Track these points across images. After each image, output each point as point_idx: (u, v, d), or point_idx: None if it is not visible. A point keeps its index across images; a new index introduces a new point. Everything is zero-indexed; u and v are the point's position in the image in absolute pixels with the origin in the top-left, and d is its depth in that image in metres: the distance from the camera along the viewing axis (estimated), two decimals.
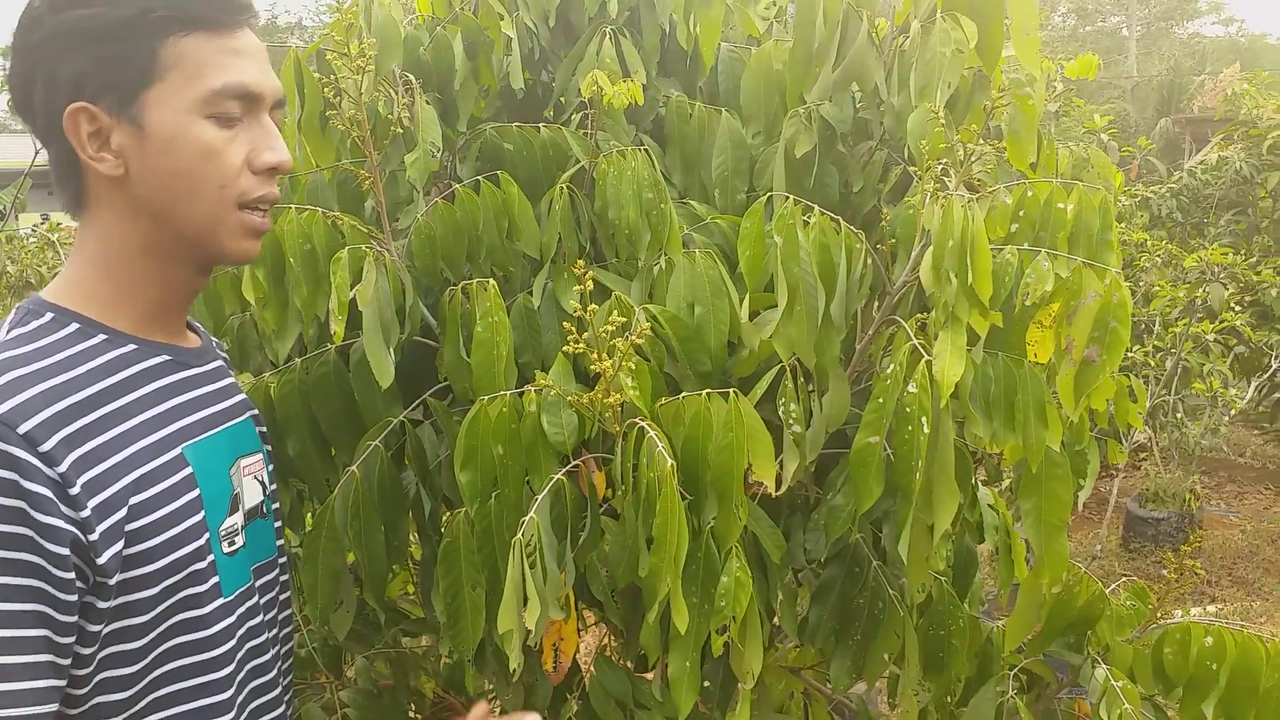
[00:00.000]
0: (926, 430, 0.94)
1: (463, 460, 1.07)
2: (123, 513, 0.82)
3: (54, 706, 0.79)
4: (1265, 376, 5.69)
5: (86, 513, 0.79)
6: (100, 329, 0.89)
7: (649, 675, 1.30)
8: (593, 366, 1.03)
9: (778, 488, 1.10)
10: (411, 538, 1.38)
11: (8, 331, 0.85)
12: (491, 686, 1.53)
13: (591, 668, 1.26)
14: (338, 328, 1.09)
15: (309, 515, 1.49)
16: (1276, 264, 5.93)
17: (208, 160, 0.88)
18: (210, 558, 0.91)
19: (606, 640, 1.45)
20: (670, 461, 0.95)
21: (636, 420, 1.03)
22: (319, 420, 1.30)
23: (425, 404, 1.31)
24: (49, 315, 0.87)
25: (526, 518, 1.00)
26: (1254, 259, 5.97)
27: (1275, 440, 7.14)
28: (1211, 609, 4.69)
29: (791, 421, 1.08)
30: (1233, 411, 5.07)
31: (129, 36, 0.85)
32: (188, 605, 0.88)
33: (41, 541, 0.76)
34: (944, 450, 0.97)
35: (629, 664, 1.33)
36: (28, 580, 0.76)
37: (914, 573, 1.08)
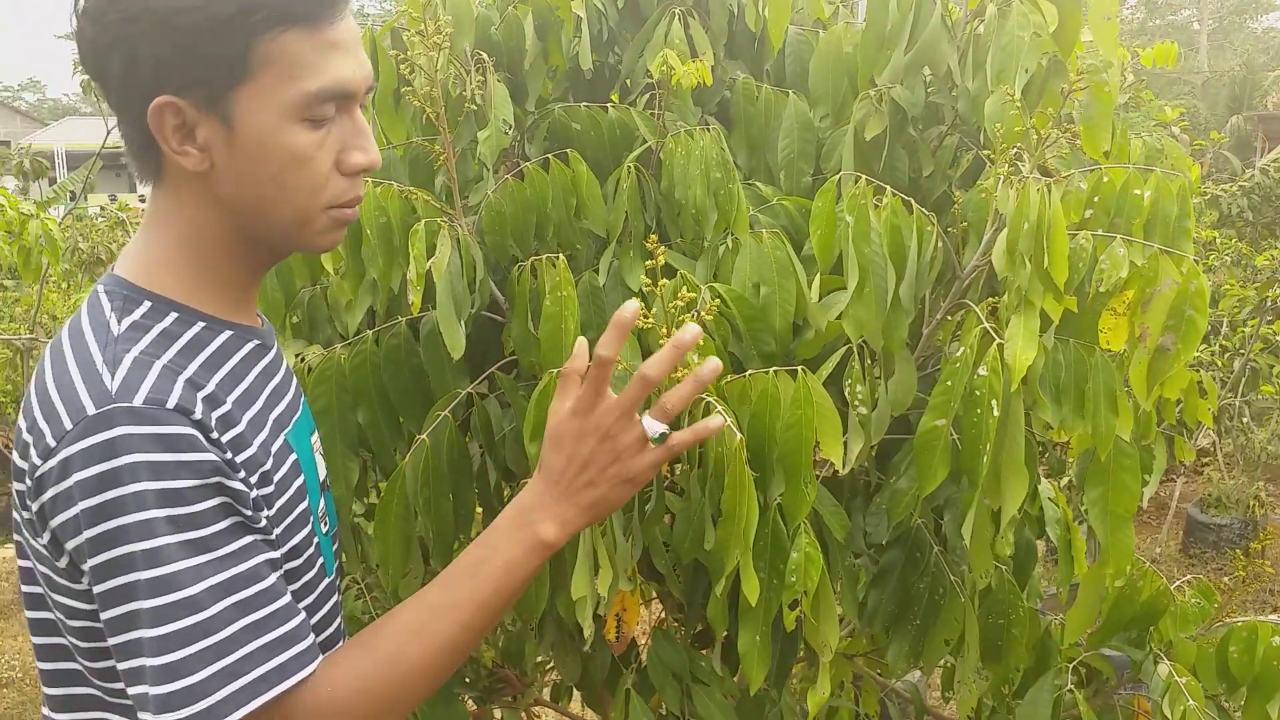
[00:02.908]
0: (996, 414, 0.94)
1: (532, 431, 1.09)
2: (261, 503, 0.84)
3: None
4: None
5: (254, 492, 0.82)
6: (196, 316, 0.86)
7: (705, 652, 1.32)
8: (660, 341, 1.04)
9: (843, 467, 1.10)
10: (477, 510, 1.41)
11: (119, 322, 0.82)
12: (547, 658, 1.56)
13: (649, 641, 1.27)
14: (415, 298, 1.11)
15: (371, 487, 1.53)
16: None
17: (299, 166, 0.84)
18: (316, 540, 0.92)
19: (664, 617, 1.46)
20: (739, 436, 0.96)
21: (702, 396, 1.04)
22: (389, 391, 1.33)
23: (491, 378, 1.33)
24: (147, 303, 0.84)
25: None
26: None
27: None
28: (1273, 617, 4.57)
29: (858, 402, 1.08)
30: None
31: (224, 31, 0.79)
32: (300, 589, 0.89)
33: (238, 506, 0.80)
34: (1014, 434, 0.97)
35: (687, 639, 1.34)
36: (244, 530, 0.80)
37: (977, 559, 1.08)
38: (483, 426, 1.31)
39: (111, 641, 0.77)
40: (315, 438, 1.02)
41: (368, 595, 1.53)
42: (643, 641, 1.38)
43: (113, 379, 0.77)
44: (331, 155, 0.85)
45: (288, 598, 0.81)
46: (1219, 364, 4.29)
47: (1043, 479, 1.46)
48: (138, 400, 0.76)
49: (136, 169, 0.88)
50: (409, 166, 1.39)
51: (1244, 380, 4.43)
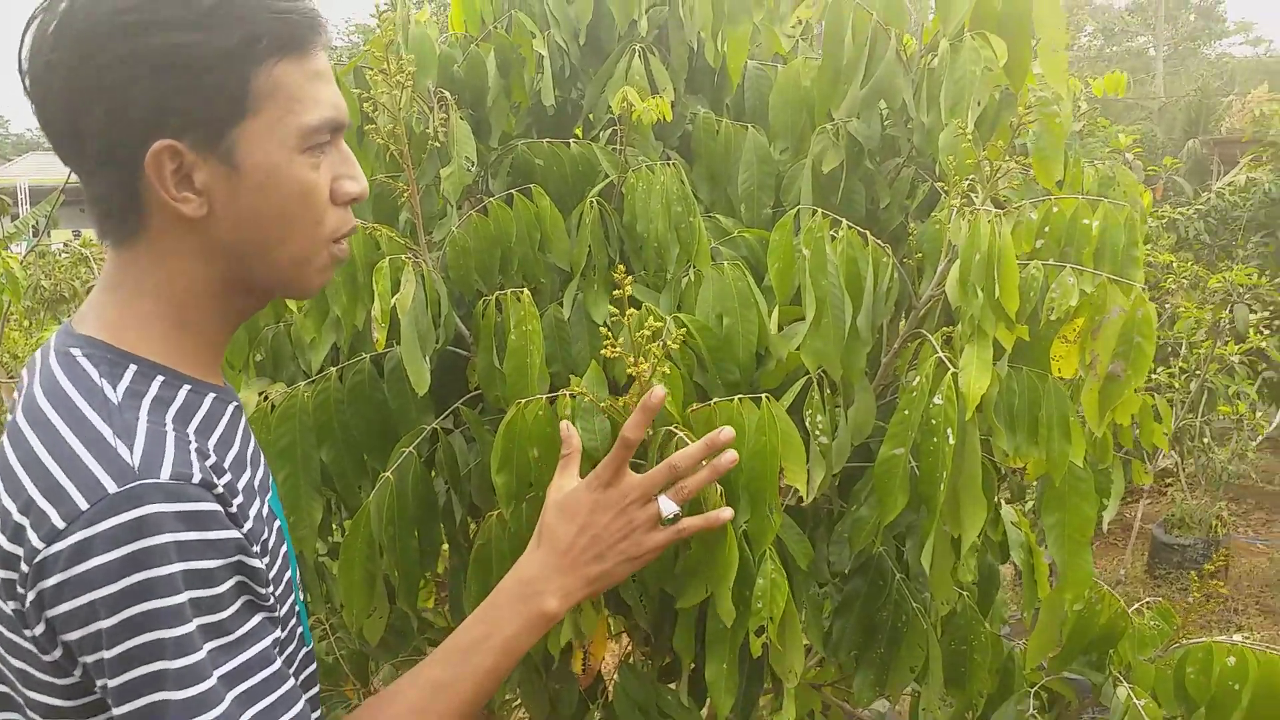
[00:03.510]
0: (952, 441, 0.96)
1: (499, 463, 1.10)
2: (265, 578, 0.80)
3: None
4: None
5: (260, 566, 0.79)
6: (181, 379, 0.81)
7: (672, 685, 1.32)
8: (628, 370, 1.06)
9: (807, 495, 1.11)
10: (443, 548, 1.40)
11: (114, 388, 0.76)
12: (514, 695, 1.55)
13: (616, 676, 1.27)
14: (380, 335, 1.12)
15: (335, 526, 1.52)
16: None
17: (305, 199, 0.81)
18: (298, 610, 0.89)
19: (630, 651, 1.46)
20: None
21: (668, 426, 1.05)
22: (353, 428, 1.32)
23: (456, 413, 1.33)
24: (132, 367, 0.79)
25: None
26: None
27: None
28: (1238, 637, 4.62)
29: (818, 432, 1.09)
30: (1260, 436, 5.01)
31: (223, 65, 0.76)
32: (286, 662, 0.84)
33: (254, 585, 0.76)
34: (970, 462, 0.98)
35: (654, 673, 1.34)
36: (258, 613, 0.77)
37: (938, 586, 1.09)
38: (448, 462, 1.31)
39: None
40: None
41: (331, 636, 1.52)
42: (610, 676, 1.38)
43: (131, 452, 0.71)
44: (327, 186, 0.83)
45: (292, 681, 0.77)
46: (1176, 385, 4.36)
47: (1005, 504, 1.48)
48: (164, 475, 0.71)
49: (111, 228, 0.81)
50: (374, 203, 1.40)
51: (1203, 402, 4.51)
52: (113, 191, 0.79)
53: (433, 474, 1.34)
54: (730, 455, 0.96)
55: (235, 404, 0.88)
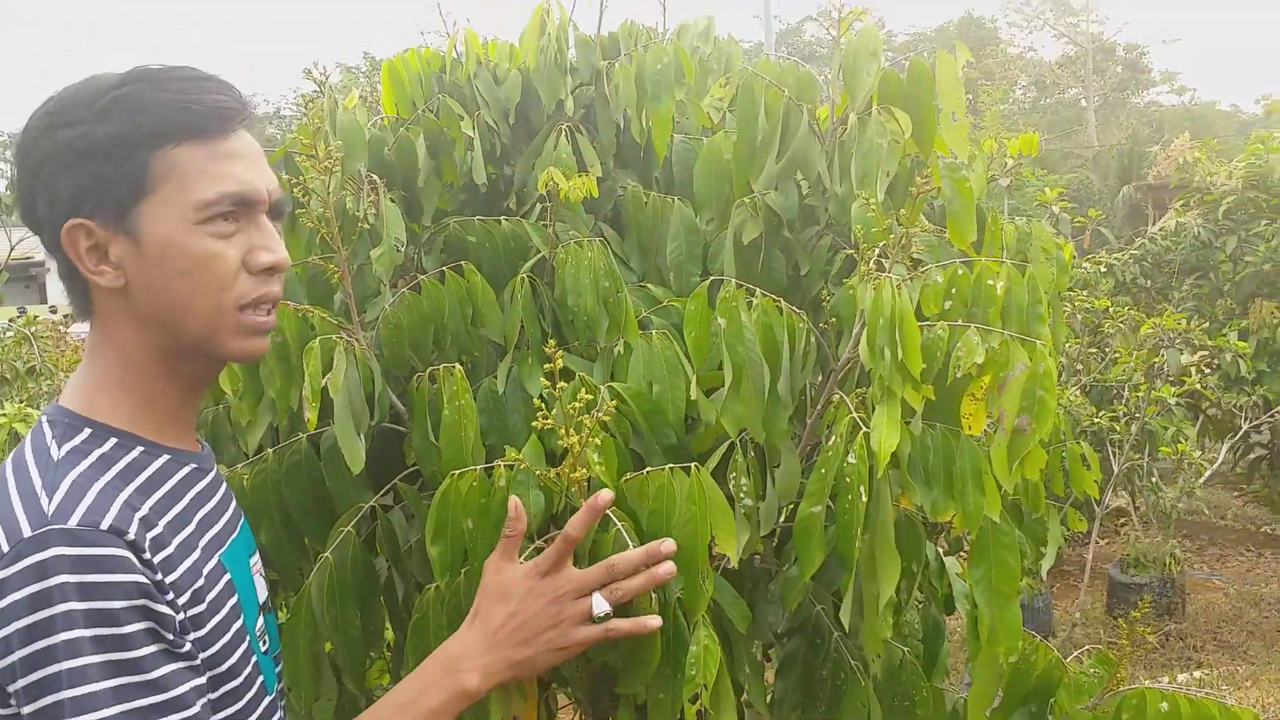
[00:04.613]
0: (865, 499, 0.99)
1: (433, 534, 1.11)
2: (188, 625, 0.85)
3: None
4: (1237, 438, 5.78)
5: (181, 615, 0.83)
6: (135, 441, 0.90)
7: None
8: (560, 442, 1.08)
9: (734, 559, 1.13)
10: (387, 625, 1.40)
11: (60, 448, 0.85)
12: None
13: None
14: (311, 415, 1.13)
15: (282, 605, 1.51)
16: (1239, 326, 6.07)
17: (203, 267, 0.88)
18: (254, 659, 0.93)
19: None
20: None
21: (606, 513, 1.07)
22: (291, 509, 1.33)
23: (395, 489, 1.34)
24: (87, 430, 0.88)
25: None
26: (1216, 323, 6.11)
27: (1255, 502, 7.20)
28: (1198, 674, 4.67)
29: (743, 495, 1.12)
30: (1202, 475, 5.13)
31: (120, 151, 0.86)
32: (243, 709, 0.90)
33: (164, 632, 0.80)
34: (884, 519, 1.02)
35: None
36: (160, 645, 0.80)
37: (868, 642, 1.11)
38: (388, 539, 1.32)
39: None
40: (255, 559, 1.04)
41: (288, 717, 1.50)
42: None
43: (49, 502, 0.80)
44: (238, 255, 0.90)
45: None
46: (1118, 428, 4.47)
47: (944, 555, 1.51)
48: (72, 522, 0.78)
49: (75, 304, 0.93)
50: (307, 285, 1.42)
51: (1146, 443, 4.61)
52: (65, 269, 0.90)
53: (375, 551, 1.35)
54: (669, 567, 0.99)
55: (193, 466, 0.95)
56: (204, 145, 0.88)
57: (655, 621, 1.00)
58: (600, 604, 0.97)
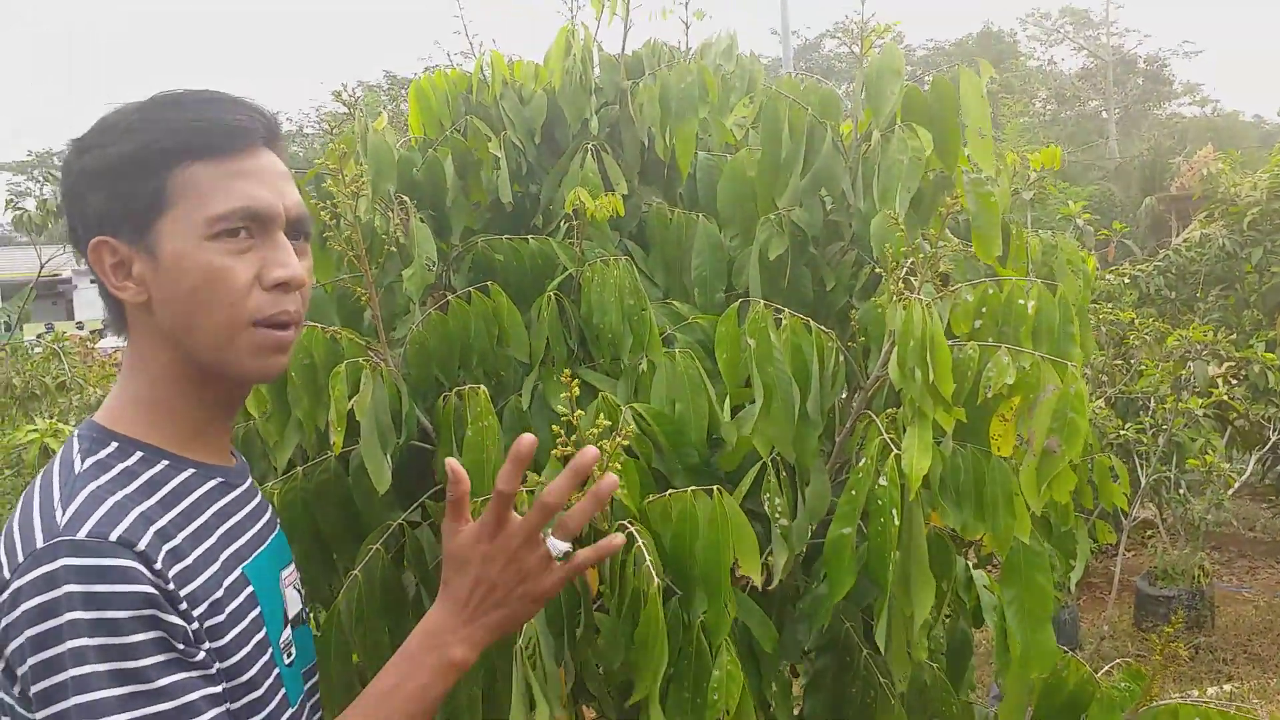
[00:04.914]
0: (898, 522, 0.98)
1: None
2: (203, 635, 0.86)
3: None
4: (1266, 449, 5.70)
5: (195, 625, 0.84)
6: (160, 455, 0.91)
7: None
8: None
9: (768, 581, 1.13)
10: None
11: (84, 461, 0.87)
12: None
13: None
14: (336, 438, 1.14)
15: (312, 621, 1.52)
16: (1266, 337, 6.00)
17: (215, 281, 0.90)
18: (276, 671, 0.94)
19: None
20: (656, 581, 0.99)
21: (624, 521, 1.07)
22: (320, 526, 1.34)
23: (423, 506, 1.35)
24: (114, 444, 0.90)
25: None
26: (1243, 334, 6.04)
27: None
28: (1228, 687, 4.61)
29: (778, 515, 1.12)
30: (1231, 486, 5.06)
31: (139, 170, 0.89)
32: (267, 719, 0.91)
33: (174, 641, 0.81)
34: (917, 540, 1.01)
35: None
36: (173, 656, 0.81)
37: (896, 661, 1.10)
38: (415, 556, 1.32)
39: None
40: (288, 571, 1.04)
41: None
42: None
43: (64, 513, 0.81)
44: (251, 271, 0.91)
45: None
46: (1145, 440, 4.42)
47: (973, 569, 1.50)
48: (81, 533, 0.80)
49: (112, 321, 0.95)
50: (337, 304, 1.44)
51: (1174, 454, 4.55)
52: (101, 287, 0.93)
53: (404, 567, 1.35)
54: (611, 479, 0.94)
55: (219, 480, 0.95)
56: (220, 163, 0.90)
57: (618, 540, 0.97)
58: (557, 545, 0.93)
